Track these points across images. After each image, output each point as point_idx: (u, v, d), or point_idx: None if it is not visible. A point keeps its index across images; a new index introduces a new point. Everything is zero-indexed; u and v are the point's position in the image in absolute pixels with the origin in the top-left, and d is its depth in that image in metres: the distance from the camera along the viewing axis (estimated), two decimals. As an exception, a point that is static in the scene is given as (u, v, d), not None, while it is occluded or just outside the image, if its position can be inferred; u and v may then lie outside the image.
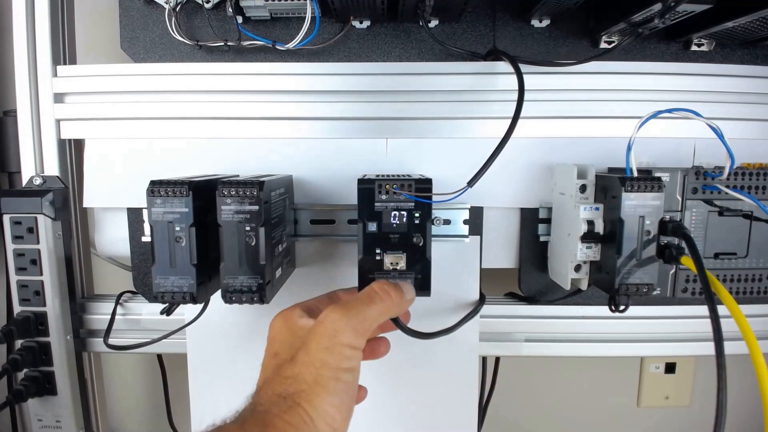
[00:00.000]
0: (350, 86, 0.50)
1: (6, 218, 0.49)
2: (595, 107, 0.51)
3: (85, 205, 0.53)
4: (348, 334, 0.32)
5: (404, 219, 0.39)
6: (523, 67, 0.47)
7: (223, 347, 0.53)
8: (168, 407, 0.67)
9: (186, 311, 0.49)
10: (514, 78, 0.47)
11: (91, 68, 0.51)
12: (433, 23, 0.52)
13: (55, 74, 0.51)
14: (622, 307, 0.41)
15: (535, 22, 0.52)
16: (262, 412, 0.29)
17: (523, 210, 0.52)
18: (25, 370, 0.51)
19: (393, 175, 0.41)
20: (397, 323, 0.40)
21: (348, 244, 0.52)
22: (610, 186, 0.41)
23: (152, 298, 0.54)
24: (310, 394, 0.30)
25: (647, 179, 0.39)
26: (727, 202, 0.49)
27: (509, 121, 0.44)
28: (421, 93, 0.50)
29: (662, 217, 0.40)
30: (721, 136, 0.41)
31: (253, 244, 0.38)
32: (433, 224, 0.42)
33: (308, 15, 0.47)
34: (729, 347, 0.31)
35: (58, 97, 0.52)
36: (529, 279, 0.53)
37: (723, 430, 0.29)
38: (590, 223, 0.42)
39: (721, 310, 0.32)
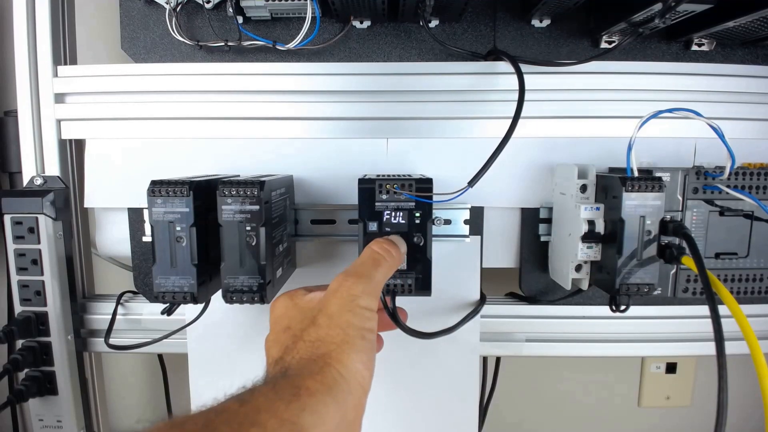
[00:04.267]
0: (351, 86, 0.50)
1: (7, 218, 0.49)
2: (595, 107, 0.51)
3: (85, 205, 0.53)
4: (364, 299, 0.32)
5: (405, 219, 0.39)
6: (524, 67, 0.47)
7: (223, 347, 0.53)
8: (169, 407, 0.67)
9: (186, 311, 0.49)
10: (514, 78, 0.47)
11: (92, 68, 0.51)
12: (434, 23, 0.52)
13: (55, 74, 0.51)
14: (622, 307, 0.41)
15: (536, 22, 0.52)
16: (293, 376, 0.28)
17: (523, 210, 0.52)
18: (26, 370, 0.51)
19: (394, 175, 0.41)
20: (398, 323, 0.40)
21: (349, 244, 0.52)
22: (610, 186, 0.41)
23: (153, 298, 0.54)
24: (340, 353, 0.30)
25: (648, 179, 0.39)
26: (728, 201, 0.49)
27: (510, 121, 0.44)
28: (422, 93, 0.50)
29: (663, 217, 0.40)
30: (721, 136, 0.41)
31: (253, 244, 0.38)
32: (434, 224, 0.42)
33: (308, 15, 0.47)
34: (730, 347, 0.31)
35: (59, 98, 0.52)
36: (530, 279, 0.53)
37: (724, 430, 0.29)
38: (591, 223, 0.42)
39: (722, 310, 0.32)
